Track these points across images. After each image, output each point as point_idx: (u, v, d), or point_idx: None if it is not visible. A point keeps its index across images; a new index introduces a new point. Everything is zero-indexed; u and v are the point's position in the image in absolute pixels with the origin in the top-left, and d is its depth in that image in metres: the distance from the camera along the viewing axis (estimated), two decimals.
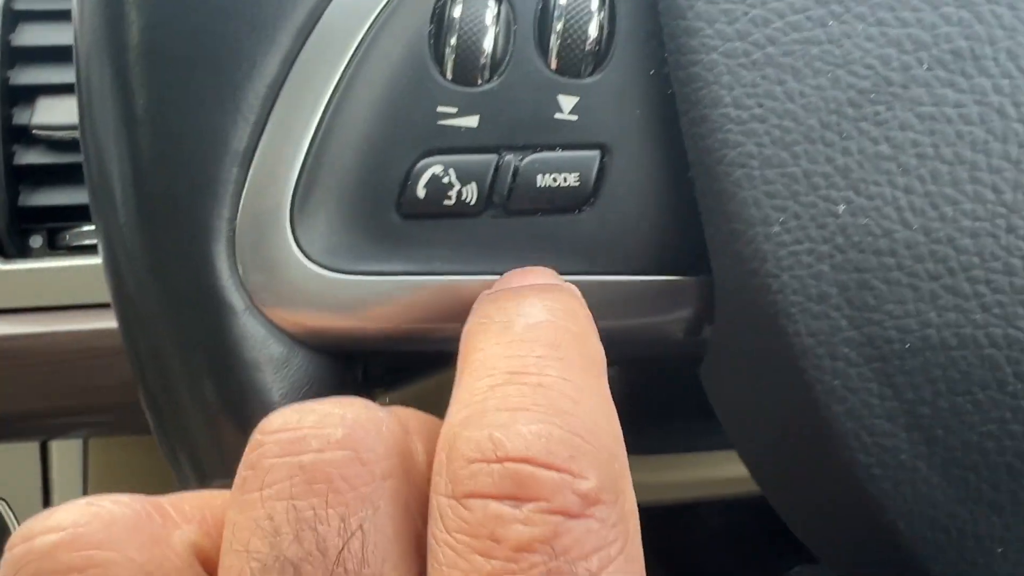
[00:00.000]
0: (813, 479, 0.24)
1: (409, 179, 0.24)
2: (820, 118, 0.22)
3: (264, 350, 0.24)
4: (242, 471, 0.19)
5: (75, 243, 0.49)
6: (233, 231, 0.24)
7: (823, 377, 0.22)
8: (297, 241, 0.24)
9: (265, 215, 0.24)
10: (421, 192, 0.24)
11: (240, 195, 0.24)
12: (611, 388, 0.21)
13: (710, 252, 0.24)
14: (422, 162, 0.24)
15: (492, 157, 0.24)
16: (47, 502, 0.55)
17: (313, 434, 0.18)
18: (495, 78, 0.24)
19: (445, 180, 0.24)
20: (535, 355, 0.19)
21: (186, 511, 0.20)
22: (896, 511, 0.23)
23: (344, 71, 0.24)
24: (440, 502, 0.18)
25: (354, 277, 0.24)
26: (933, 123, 0.22)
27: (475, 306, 0.22)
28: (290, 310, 0.24)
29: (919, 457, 0.22)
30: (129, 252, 0.24)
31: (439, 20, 0.24)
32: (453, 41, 0.24)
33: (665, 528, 0.64)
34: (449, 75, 0.24)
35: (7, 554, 0.18)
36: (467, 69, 0.24)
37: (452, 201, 0.24)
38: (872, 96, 0.22)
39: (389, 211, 0.24)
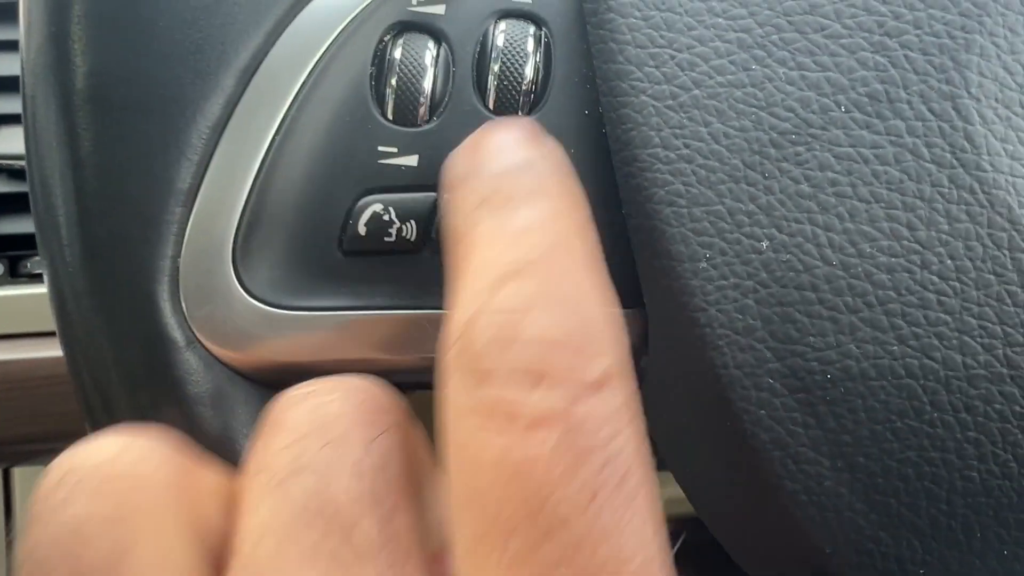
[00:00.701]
0: (743, 503, 0.25)
1: (350, 217, 0.25)
2: (744, 158, 0.23)
3: (208, 385, 0.25)
4: (265, 431, 0.20)
5: (36, 271, 0.50)
6: (177, 269, 0.24)
7: (749, 407, 0.23)
8: (240, 278, 0.25)
9: (208, 253, 0.24)
10: (362, 230, 0.25)
11: (184, 234, 0.24)
12: None
13: (642, 286, 0.24)
14: (363, 200, 0.25)
15: (431, 196, 0.25)
16: (9, 529, 0.55)
17: (330, 389, 0.20)
18: (434, 118, 0.25)
19: (386, 218, 0.25)
20: (537, 252, 0.20)
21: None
22: (822, 535, 0.24)
23: (287, 112, 0.25)
24: (456, 386, 0.19)
25: (297, 313, 0.25)
26: (851, 163, 0.23)
27: (457, 185, 0.22)
28: (234, 345, 0.25)
29: (842, 484, 0.23)
30: (75, 290, 0.25)
31: (380, 62, 0.25)
32: (393, 82, 0.25)
33: None
34: (390, 115, 0.25)
35: (54, 470, 0.19)
36: (407, 109, 0.25)
37: (392, 238, 0.25)
38: (793, 137, 0.23)
39: (331, 248, 0.25)
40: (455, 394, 0.19)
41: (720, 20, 0.24)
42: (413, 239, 0.25)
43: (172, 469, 0.19)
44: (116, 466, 0.19)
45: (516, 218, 0.20)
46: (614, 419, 0.18)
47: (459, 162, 0.22)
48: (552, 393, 0.18)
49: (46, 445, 0.53)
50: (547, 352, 0.18)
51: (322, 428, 0.20)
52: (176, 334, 0.25)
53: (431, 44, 0.25)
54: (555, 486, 0.17)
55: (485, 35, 0.25)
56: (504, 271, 0.19)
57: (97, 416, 0.26)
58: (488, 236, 0.20)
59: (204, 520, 0.20)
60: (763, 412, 0.23)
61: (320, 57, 0.25)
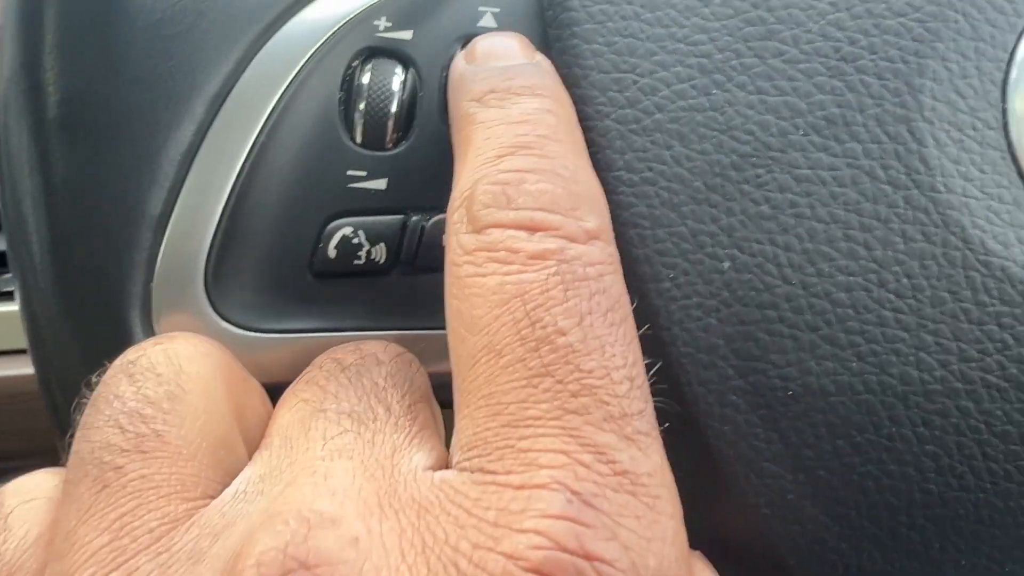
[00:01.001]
0: (707, 516, 0.25)
1: (321, 240, 0.25)
2: (705, 181, 0.24)
3: None
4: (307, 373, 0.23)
5: (4, 289, 0.49)
6: (149, 293, 0.25)
7: (713, 423, 0.24)
8: (212, 301, 0.25)
9: (180, 277, 0.25)
10: (332, 253, 0.25)
11: (156, 259, 0.25)
12: None
13: None
14: (333, 224, 0.25)
15: (400, 218, 0.25)
16: None
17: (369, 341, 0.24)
18: (403, 143, 0.25)
19: (355, 241, 0.25)
20: (534, 136, 0.22)
21: None
22: (786, 548, 0.24)
23: (257, 137, 0.25)
24: (460, 238, 0.21)
25: (269, 335, 0.25)
26: (809, 185, 0.23)
27: (460, 82, 0.24)
28: None
29: (805, 497, 0.24)
30: (48, 314, 0.25)
31: (348, 87, 0.26)
32: (362, 107, 0.25)
33: None
34: (359, 140, 0.25)
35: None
36: (376, 134, 0.25)
37: (362, 261, 0.25)
38: (753, 160, 0.24)
39: (302, 271, 0.25)
40: (458, 242, 0.21)
41: (681, 46, 0.24)
42: (382, 261, 0.25)
43: (226, 360, 0.22)
44: (182, 342, 0.22)
45: (516, 107, 0.23)
46: (602, 263, 0.21)
47: (462, 63, 0.25)
48: (548, 237, 0.20)
49: (13, 463, 0.53)
50: (542, 211, 0.20)
51: (358, 348, 0.23)
52: None
53: (399, 69, 0.26)
54: (549, 305, 0.19)
55: (452, 59, 0.26)
56: (504, 148, 0.22)
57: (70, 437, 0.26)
58: (491, 121, 0.23)
59: (246, 405, 0.22)
60: (727, 428, 0.24)
61: (290, 83, 0.25)
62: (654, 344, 0.24)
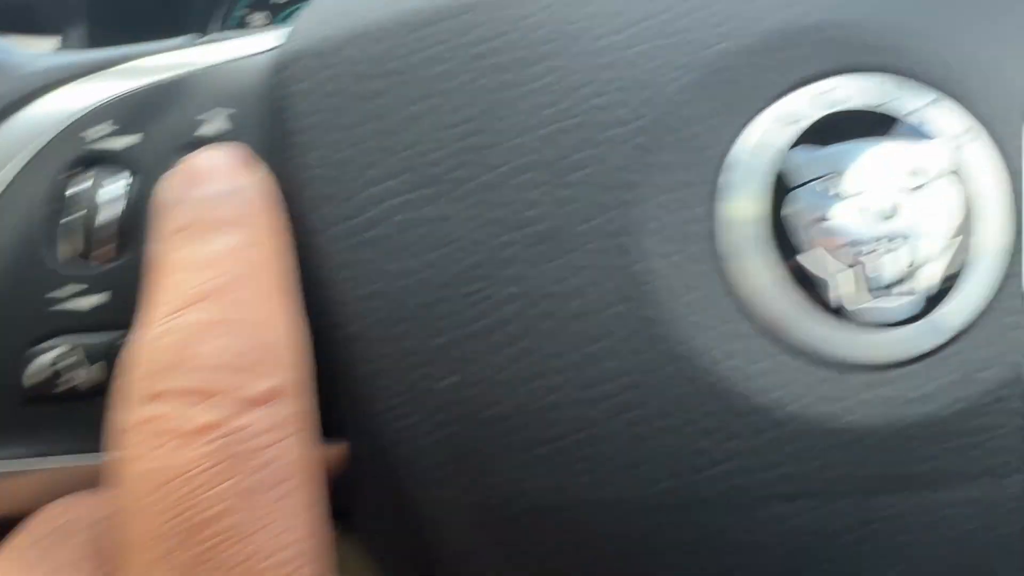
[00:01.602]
0: None
1: (29, 364, 0.24)
2: (428, 295, 0.23)
3: None
4: None
5: None
6: None
7: (444, 543, 0.23)
8: None
9: None
10: (41, 376, 0.24)
11: None
12: None
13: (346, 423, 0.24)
14: (42, 345, 0.24)
15: (117, 334, 0.24)
16: None
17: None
18: (125, 253, 0.24)
19: (66, 362, 0.24)
20: (224, 280, 0.21)
21: None
22: None
23: None
24: (126, 408, 0.20)
25: None
26: (531, 299, 0.23)
27: (158, 214, 0.23)
28: None
29: None
30: None
31: (64, 197, 0.24)
32: (76, 219, 0.24)
33: None
34: (76, 253, 0.24)
35: None
36: (95, 246, 0.24)
37: (75, 383, 0.24)
38: (474, 274, 0.23)
39: (12, 395, 0.24)
40: (124, 413, 0.19)
41: (406, 154, 0.24)
42: (96, 382, 0.24)
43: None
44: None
45: (210, 245, 0.21)
46: (275, 429, 0.19)
47: (166, 188, 0.23)
48: (214, 408, 0.19)
49: None
50: (214, 373, 0.19)
51: (68, 509, 0.22)
52: None
53: (124, 176, 0.25)
54: (205, 488, 0.18)
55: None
56: (189, 297, 0.20)
57: None
58: (181, 262, 0.21)
59: None
60: (453, 548, 0.23)
61: None
62: (381, 467, 0.23)
